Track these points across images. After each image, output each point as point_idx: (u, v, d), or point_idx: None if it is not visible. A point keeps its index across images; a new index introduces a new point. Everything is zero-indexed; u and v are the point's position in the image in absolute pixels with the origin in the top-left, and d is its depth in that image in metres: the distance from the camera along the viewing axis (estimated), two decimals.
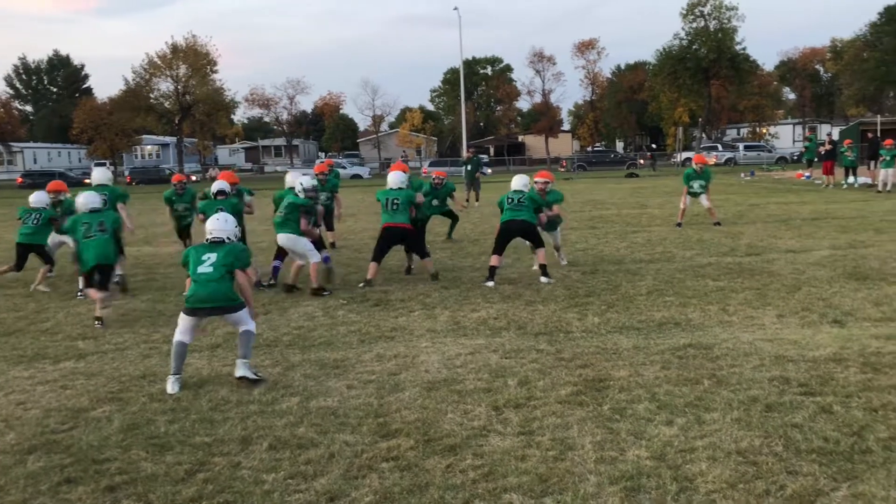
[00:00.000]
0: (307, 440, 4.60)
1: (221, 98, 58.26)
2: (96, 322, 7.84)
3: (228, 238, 6.07)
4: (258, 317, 5.90)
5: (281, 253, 9.78)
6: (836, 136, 34.54)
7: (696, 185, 14.91)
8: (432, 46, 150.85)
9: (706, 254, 11.42)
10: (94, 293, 8.15)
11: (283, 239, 9.25)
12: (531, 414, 4.92)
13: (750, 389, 5.20)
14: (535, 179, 10.20)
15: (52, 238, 10.26)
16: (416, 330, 7.30)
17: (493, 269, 9.64)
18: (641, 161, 51.45)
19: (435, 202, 13.17)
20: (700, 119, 59.36)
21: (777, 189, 25.50)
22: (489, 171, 43.97)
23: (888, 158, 21.38)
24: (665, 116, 63.87)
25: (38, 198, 10.27)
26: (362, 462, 4.26)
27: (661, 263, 10.68)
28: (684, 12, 57.49)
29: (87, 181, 15.69)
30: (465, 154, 35.42)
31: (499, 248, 9.70)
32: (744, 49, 56.97)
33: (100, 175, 10.60)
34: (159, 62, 55.48)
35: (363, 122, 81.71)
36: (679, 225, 14.80)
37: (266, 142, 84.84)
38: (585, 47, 68.01)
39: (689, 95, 58.74)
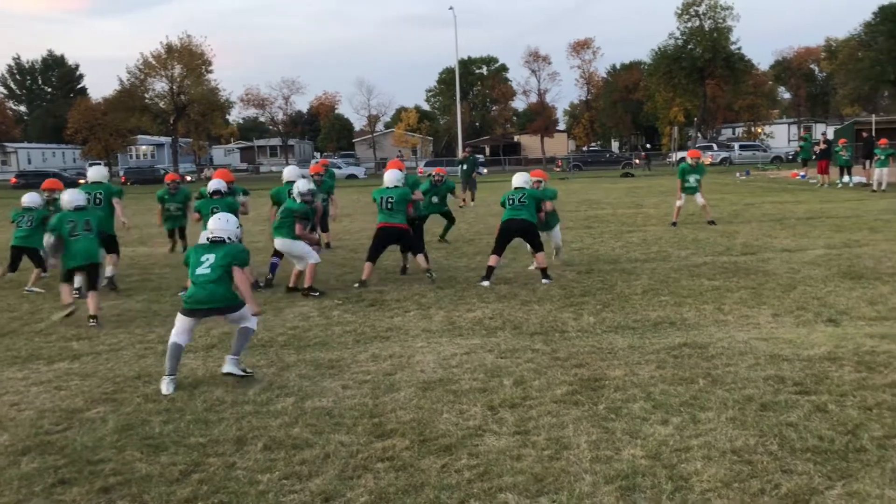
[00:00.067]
0: (302, 440, 4.59)
1: (216, 98, 58.10)
2: (90, 321, 7.83)
3: (229, 238, 6.06)
4: (261, 311, 5.87)
5: (278, 252, 9.79)
6: (830, 136, 34.64)
7: (692, 178, 14.97)
8: (428, 46, 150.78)
9: (701, 253, 11.44)
10: (66, 292, 8.19)
11: (280, 243, 9.26)
12: (526, 413, 4.92)
13: (745, 388, 5.21)
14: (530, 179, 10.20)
15: (47, 238, 10.23)
16: (412, 330, 7.30)
17: (490, 269, 9.64)
18: (637, 161, 51.53)
19: (435, 199, 13.17)
20: (695, 119, 59.45)
21: (772, 188, 25.56)
22: (485, 170, 43.98)
23: (883, 158, 21.45)
24: (660, 116, 63.92)
25: (30, 198, 10.26)
26: (357, 462, 4.25)
27: (656, 263, 10.70)
28: (679, 12, 57.55)
29: (81, 182, 15.64)
30: (461, 153, 35.42)
31: (498, 248, 9.70)
32: (739, 48, 57.07)
33: (95, 173, 10.59)
34: (154, 62, 55.29)
35: (359, 122, 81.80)
36: (674, 224, 14.83)
37: (261, 142, 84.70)
38: (581, 47, 68.09)
39: (685, 95, 58.80)
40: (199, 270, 5.87)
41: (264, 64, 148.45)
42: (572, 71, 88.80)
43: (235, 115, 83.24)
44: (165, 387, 5.63)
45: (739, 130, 66.68)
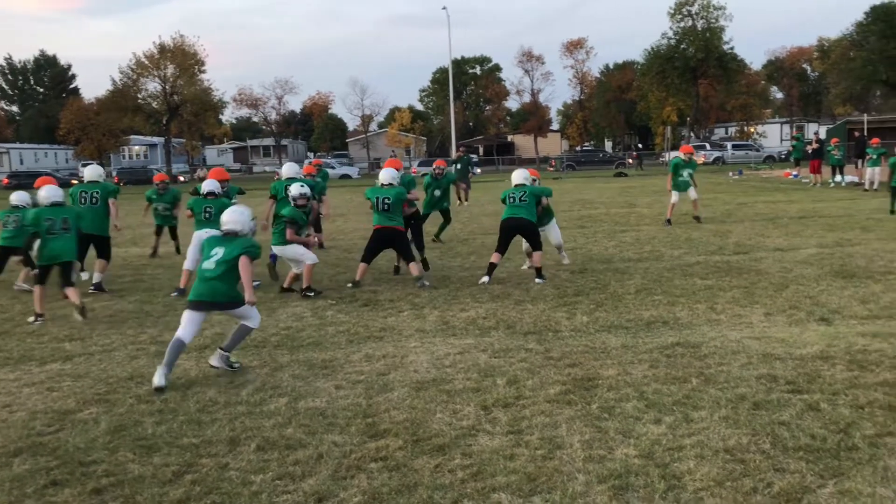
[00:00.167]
0: (295, 441, 4.59)
1: (209, 98, 58.05)
2: (76, 312, 7.85)
3: (242, 230, 6.06)
4: (254, 301, 5.86)
5: None
6: (823, 135, 34.80)
7: (685, 173, 15.06)
8: (421, 46, 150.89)
9: (694, 252, 11.46)
10: (38, 291, 8.17)
11: (277, 249, 9.28)
12: (520, 413, 4.92)
13: (737, 387, 5.23)
14: None
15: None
16: (405, 330, 7.29)
17: (491, 266, 9.65)
18: (630, 160, 51.63)
19: (437, 192, 13.15)
20: (688, 118, 59.64)
21: (765, 188, 25.64)
22: (479, 170, 43.99)
23: (875, 157, 21.53)
24: (653, 116, 64.09)
25: (18, 197, 10.11)
26: (351, 462, 4.25)
27: (649, 262, 10.72)
28: (672, 12, 57.82)
29: (74, 182, 15.62)
30: (454, 153, 35.44)
31: (500, 247, 9.71)
32: (731, 48, 57.39)
33: (91, 172, 10.52)
34: (147, 62, 55.22)
35: (352, 122, 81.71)
36: (668, 222, 14.86)
37: (255, 142, 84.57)
38: (574, 47, 68.32)
39: (678, 95, 59.01)
40: (205, 265, 5.93)
41: (257, 64, 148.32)
42: (566, 71, 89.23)
43: (229, 116, 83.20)
44: (157, 377, 5.62)
45: (732, 130, 66.87)
